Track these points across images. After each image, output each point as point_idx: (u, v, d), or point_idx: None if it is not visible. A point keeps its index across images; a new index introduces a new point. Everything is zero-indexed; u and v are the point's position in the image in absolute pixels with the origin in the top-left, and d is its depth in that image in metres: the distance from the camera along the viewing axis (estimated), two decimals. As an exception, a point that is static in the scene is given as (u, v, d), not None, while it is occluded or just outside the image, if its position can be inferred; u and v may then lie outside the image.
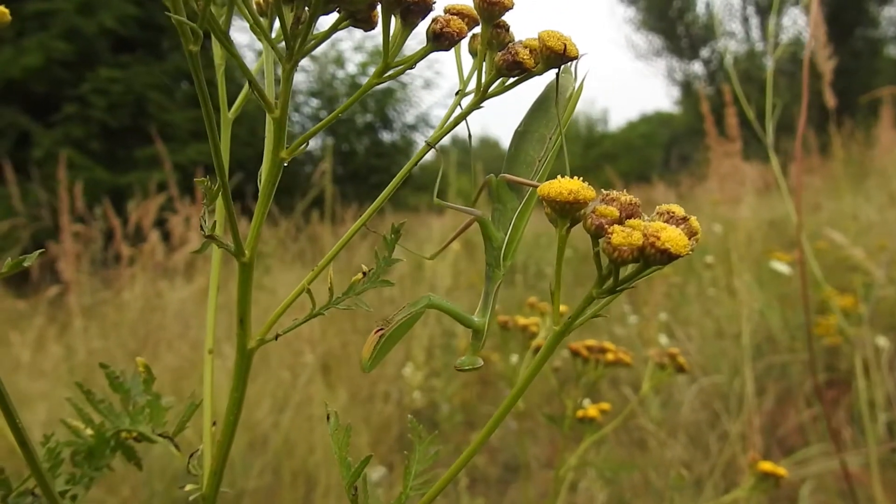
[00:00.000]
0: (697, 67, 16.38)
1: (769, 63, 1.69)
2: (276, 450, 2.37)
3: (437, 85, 12.35)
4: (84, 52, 8.65)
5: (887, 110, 4.61)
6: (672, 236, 0.34)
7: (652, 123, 21.93)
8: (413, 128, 12.34)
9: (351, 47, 12.24)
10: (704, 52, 15.88)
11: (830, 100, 1.80)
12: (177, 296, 3.68)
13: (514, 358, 1.21)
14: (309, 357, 2.83)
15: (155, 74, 8.89)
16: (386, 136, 12.34)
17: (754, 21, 15.08)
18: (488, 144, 21.56)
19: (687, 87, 16.39)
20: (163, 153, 4.59)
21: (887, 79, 12.05)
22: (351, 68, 12.17)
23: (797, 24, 12.63)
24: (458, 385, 2.91)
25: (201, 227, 0.38)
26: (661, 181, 7.24)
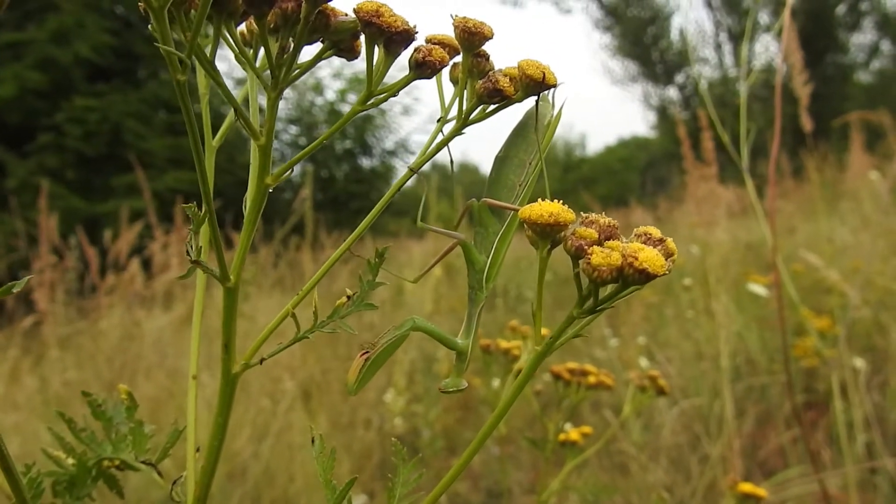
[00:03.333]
0: (673, 93, 16.59)
1: (742, 89, 1.72)
2: (256, 479, 2.34)
3: (416, 111, 12.44)
4: (59, 82, 8.63)
5: (858, 135, 4.70)
6: (650, 257, 0.35)
7: (629, 148, 22.16)
8: (392, 153, 12.38)
9: (330, 74, 12.28)
10: (679, 78, 16.08)
11: (807, 124, 1.83)
12: (155, 324, 3.65)
13: (496, 383, 1.21)
14: (289, 384, 2.81)
15: (131, 103, 8.88)
16: (365, 162, 12.38)
17: (727, 47, 15.31)
18: (468, 170, 21.67)
19: (663, 112, 16.57)
20: (142, 181, 4.57)
21: (858, 104, 12.26)
22: (330, 95, 12.22)
23: (769, 50, 12.85)
24: (440, 410, 2.90)
25: (187, 252, 0.38)
26: (640, 205, 7.31)
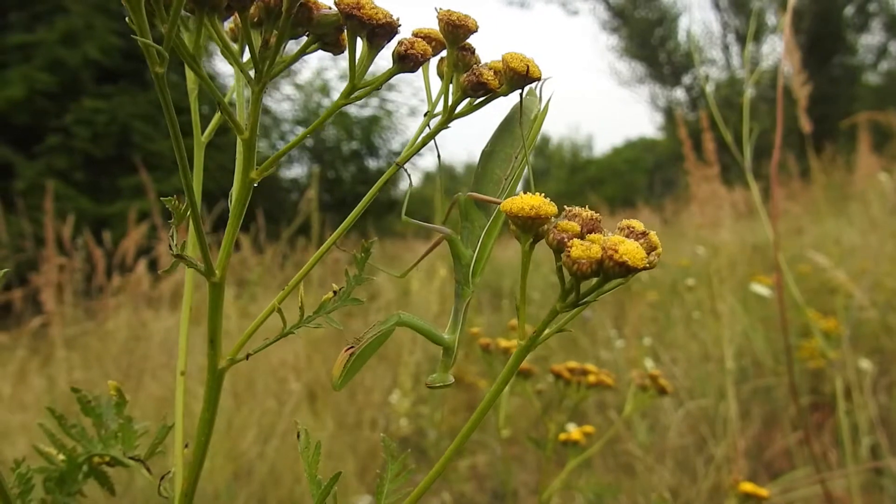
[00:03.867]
0: (680, 94, 16.55)
1: (747, 89, 1.72)
2: (262, 479, 2.34)
3: (422, 113, 12.43)
4: (67, 83, 8.67)
5: (865, 136, 4.68)
6: (629, 249, 0.35)
7: (636, 149, 22.11)
8: (399, 155, 12.40)
9: (337, 76, 12.32)
10: (686, 79, 16.05)
11: (806, 125, 1.83)
12: (162, 325, 3.66)
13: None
14: (295, 385, 2.81)
15: (139, 104, 8.91)
16: (372, 163, 12.40)
17: (734, 49, 15.27)
18: (472, 170, 21.63)
19: (670, 114, 16.52)
20: (147, 182, 4.58)
21: (866, 105, 12.20)
22: (336, 97, 12.26)
23: (777, 51, 12.82)
24: (446, 411, 2.90)
25: (170, 246, 0.38)
26: (647, 206, 7.29)
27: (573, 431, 1.05)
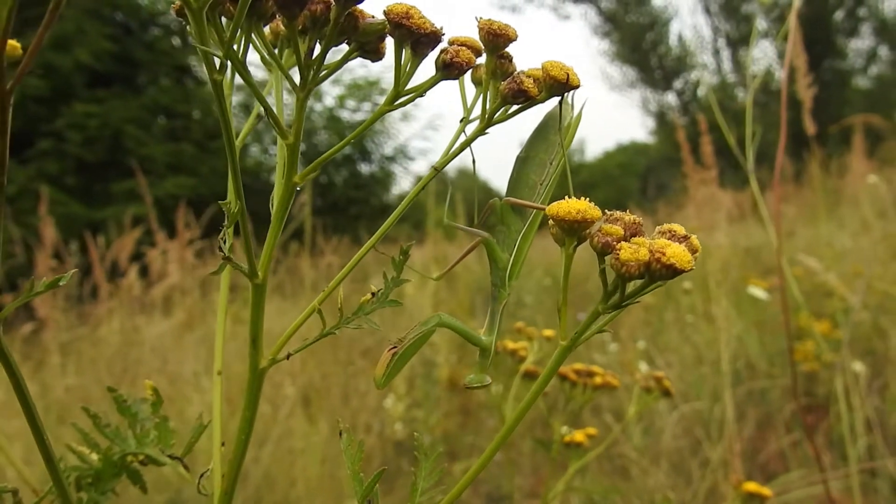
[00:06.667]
0: (671, 98, 16.59)
1: (743, 93, 1.74)
2: (257, 484, 2.34)
3: (414, 117, 12.42)
4: (59, 88, 8.64)
5: (858, 139, 4.71)
6: (677, 252, 0.36)
7: (628, 153, 22.14)
8: (391, 159, 12.38)
9: (329, 81, 12.25)
10: (678, 84, 16.10)
11: (810, 127, 1.85)
12: (155, 330, 3.65)
13: (499, 387, 1.21)
14: (289, 389, 2.81)
15: (131, 109, 8.88)
16: (364, 168, 12.35)
17: (725, 53, 15.34)
18: (466, 175, 21.64)
19: (661, 118, 16.57)
20: (143, 187, 4.57)
21: (856, 109, 12.28)
22: (329, 101, 12.24)
23: (768, 55, 12.87)
24: (440, 415, 2.90)
25: (220, 248, 0.39)
26: (639, 209, 7.31)
27: (576, 433, 1.06)
